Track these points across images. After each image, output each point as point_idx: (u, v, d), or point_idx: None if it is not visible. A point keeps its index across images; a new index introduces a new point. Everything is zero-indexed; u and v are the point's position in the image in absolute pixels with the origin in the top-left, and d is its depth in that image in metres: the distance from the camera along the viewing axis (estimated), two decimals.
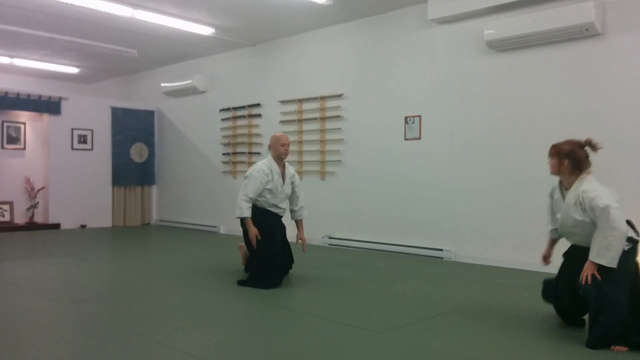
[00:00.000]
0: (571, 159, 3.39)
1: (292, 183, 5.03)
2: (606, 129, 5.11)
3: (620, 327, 3.06)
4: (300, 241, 5.03)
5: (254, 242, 4.69)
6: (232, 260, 5.82)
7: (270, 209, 4.88)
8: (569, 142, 3.47)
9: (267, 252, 4.71)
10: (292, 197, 5.07)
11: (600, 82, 5.17)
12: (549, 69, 5.49)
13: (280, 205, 4.93)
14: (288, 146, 4.91)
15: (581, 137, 5.14)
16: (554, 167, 3.51)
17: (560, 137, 5.32)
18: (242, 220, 4.77)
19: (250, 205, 4.72)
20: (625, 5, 5.03)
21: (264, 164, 4.86)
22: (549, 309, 3.90)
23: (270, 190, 4.80)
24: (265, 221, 4.78)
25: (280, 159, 4.91)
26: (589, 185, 3.27)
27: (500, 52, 5.82)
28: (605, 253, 3.11)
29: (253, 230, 4.69)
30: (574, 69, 5.33)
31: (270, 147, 4.95)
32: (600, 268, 3.15)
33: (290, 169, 5.04)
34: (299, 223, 5.12)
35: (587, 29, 5.10)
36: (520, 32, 5.46)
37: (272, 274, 4.67)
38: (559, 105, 5.41)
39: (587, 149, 3.42)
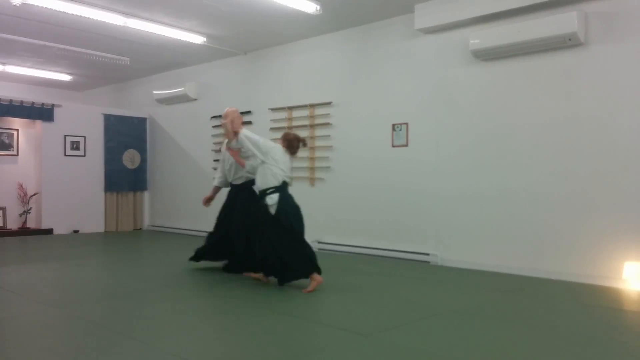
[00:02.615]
0: (286, 141, 4.97)
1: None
2: (589, 136, 5.24)
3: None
4: None
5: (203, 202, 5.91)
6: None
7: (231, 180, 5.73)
8: (295, 136, 5.06)
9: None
10: None
11: (583, 91, 5.29)
12: (533, 78, 5.61)
13: (235, 175, 5.61)
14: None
15: (565, 145, 5.32)
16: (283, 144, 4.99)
17: (543, 145, 5.50)
18: None
19: (219, 176, 5.82)
20: (607, 16, 5.15)
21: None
22: (533, 311, 4.00)
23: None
24: (225, 201, 5.74)
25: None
26: None
27: (486, 62, 5.94)
28: None
29: (207, 196, 5.89)
30: (558, 77, 5.45)
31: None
32: None
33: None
34: None
35: (570, 39, 5.21)
36: (505, 41, 5.57)
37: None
38: (543, 113, 5.53)
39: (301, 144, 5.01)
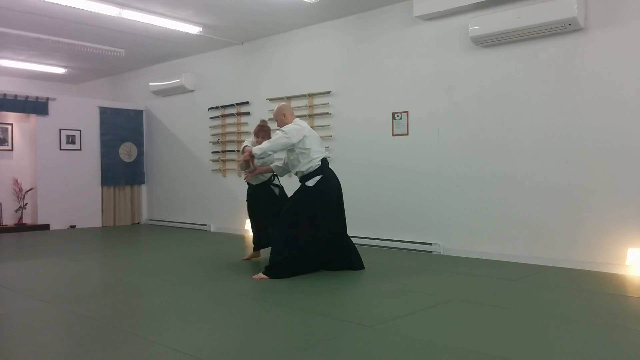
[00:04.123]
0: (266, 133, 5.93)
1: None
2: (590, 122, 5.20)
3: None
4: None
5: None
6: (222, 258, 5.85)
7: None
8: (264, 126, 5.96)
9: None
10: None
11: (583, 76, 5.24)
12: (533, 64, 5.56)
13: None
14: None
15: (567, 131, 5.27)
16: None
17: (543, 131, 5.46)
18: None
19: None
20: (607, 0, 5.10)
21: None
22: (537, 298, 3.97)
23: None
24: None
25: None
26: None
27: (486, 48, 5.88)
28: None
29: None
30: (557, 63, 5.40)
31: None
32: None
33: None
34: None
35: (569, 24, 5.17)
36: (505, 27, 5.51)
37: None
38: (544, 99, 5.48)
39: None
